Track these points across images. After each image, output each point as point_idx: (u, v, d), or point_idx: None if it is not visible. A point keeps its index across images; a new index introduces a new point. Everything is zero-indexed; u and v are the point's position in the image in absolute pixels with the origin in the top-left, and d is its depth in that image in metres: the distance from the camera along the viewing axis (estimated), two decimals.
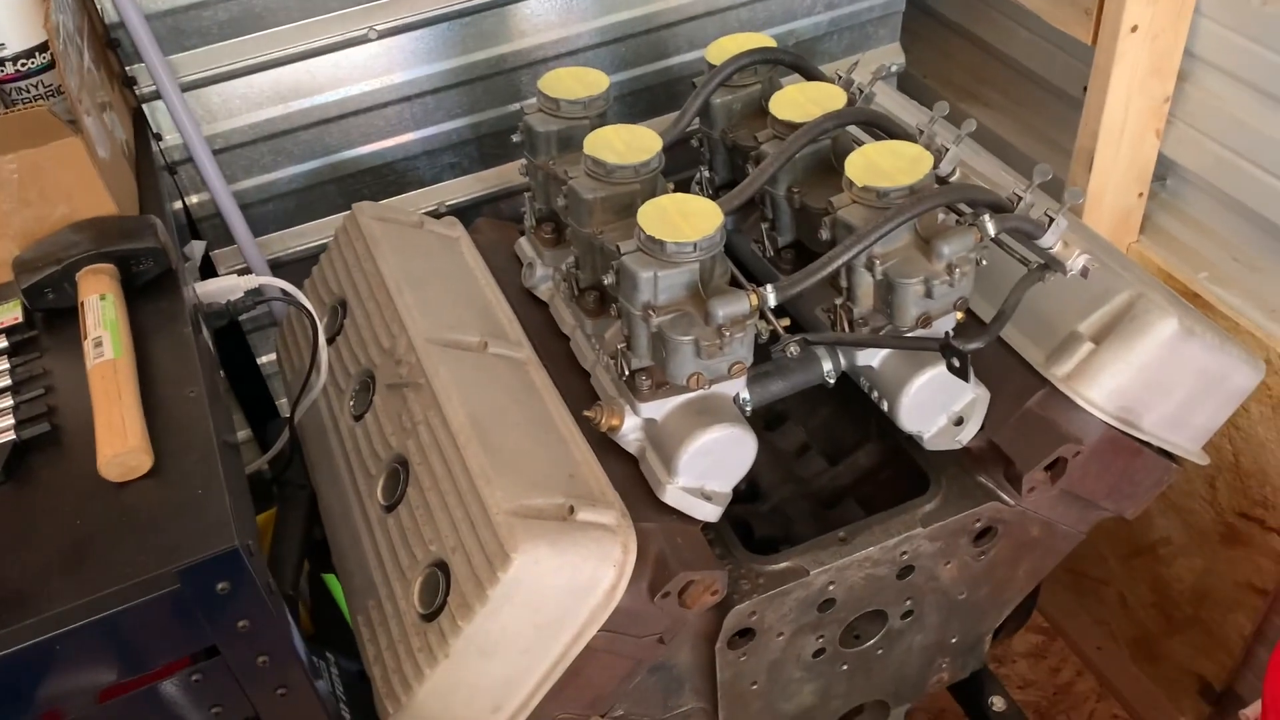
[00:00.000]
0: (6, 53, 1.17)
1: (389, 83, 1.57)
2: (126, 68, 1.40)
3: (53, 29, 1.06)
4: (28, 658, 0.84)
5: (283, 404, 1.76)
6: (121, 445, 0.90)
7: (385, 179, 1.66)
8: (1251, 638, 1.69)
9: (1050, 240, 1.10)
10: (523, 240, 1.45)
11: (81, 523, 0.89)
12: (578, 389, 1.25)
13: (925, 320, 1.11)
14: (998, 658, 2.06)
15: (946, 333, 1.13)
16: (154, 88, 1.42)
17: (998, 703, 1.64)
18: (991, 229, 1.08)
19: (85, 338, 1.00)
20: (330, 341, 1.38)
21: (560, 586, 1.04)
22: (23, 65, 1.18)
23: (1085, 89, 1.56)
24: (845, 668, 1.33)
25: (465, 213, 1.68)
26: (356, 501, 1.23)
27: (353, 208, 1.46)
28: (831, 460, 1.44)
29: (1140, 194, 1.63)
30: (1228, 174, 1.52)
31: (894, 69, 1.88)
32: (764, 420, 1.51)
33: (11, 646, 0.83)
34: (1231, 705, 1.78)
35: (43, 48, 1.19)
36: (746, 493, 1.42)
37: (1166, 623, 1.85)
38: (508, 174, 1.73)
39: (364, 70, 1.55)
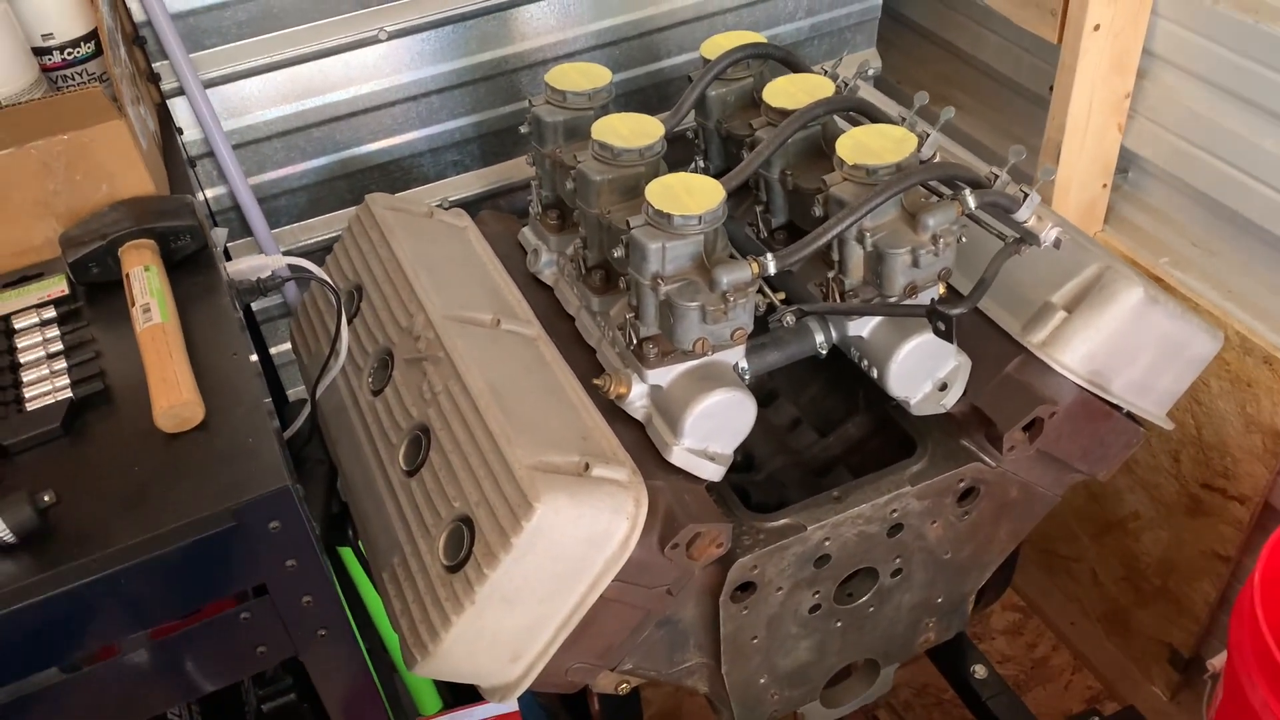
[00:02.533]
0: (54, 41, 1.24)
1: (397, 82, 1.65)
2: (153, 65, 1.47)
3: (101, 18, 1.13)
4: (91, 592, 0.90)
5: (292, 393, 1.83)
6: (176, 397, 0.97)
7: (392, 175, 1.74)
8: (1216, 604, 1.79)
9: (1025, 214, 1.19)
10: (526, 229, 1.53)
11: (139, 470, 0.96)
12: (584, 364, 1.33)
13: (912, 289, 1.20)
14: (977, 635, 2.14)
15: (932, 299, 1.22)
16: (177, 84, 1.49)
17: (979, 671, 1.72)
18: (972, 203, 1.17)
19: (133, 304, 1.07)
20: (347, 323, 1.45)
21: (578, 536, 1.12)
22: (69, 54, 1.25)
23: (1051, 88, 1.67)
24: (839, 624, 1.41)
25: (467, 208, 1.75)
26: (379, 469, 1.30)
27: (366, 198, 1.53)
28: (822, 432, 1.52)
29: (1104, 185, 1.74)
30: (1185, 164, 1.63)
31: (871, 72, 1.98)
32: (757, 398, 1.59)
33: (77, 580, 0.89)
34: (1199, 671, 1.87)
35: (87, 38, 1.26)
36: (742, 463, 1.50)
37: (1136, 595, 1.94)
38: (507, 171, 1.81)
39: (373, 70, 1.63)
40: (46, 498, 0.91)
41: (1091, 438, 1.34)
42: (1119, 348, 1.28)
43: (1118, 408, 1.33)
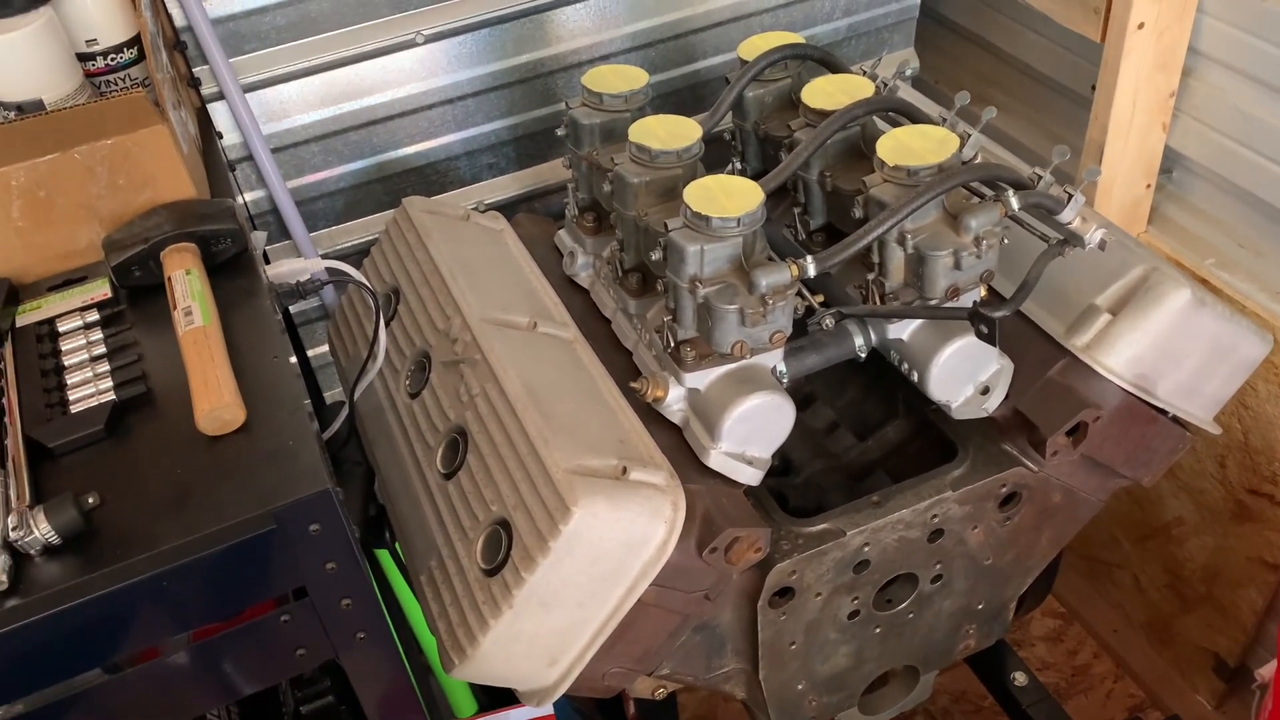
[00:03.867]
0: (98, 47, 1.26)
1: (433, 85, 1.66)
2: (193, 69, 1.48)
3: (144, 23, 1.14)
4: (134, 594, 0.90)
5: (329, 396, 1.84)
6: (218, 400, 0.97)
7: (428, 178, 1.75)
8: (1263, 613, 1.76)
9: (1069, 215, 1.17)
10: (562, 232, 1.53)
11: (181, 472, 0.97)
12: (621, 366, 1.32)
13: (954, 291, 1.19)
14: (1016, 641, 2.12)
15: (974, 301, 1.20)
16: (217, 89, 1.50)
17: (1019, 678, 1.70)
18: (1015, 204, 1.15)
19: (175, 308, 1.08)
20: (385, 326, 1.45)
21: (616, 540, 1.11)
22: (112, 60, 1.27)
23: (1093, 87, 1.64)
24: (878, 630, 1.39)
25: (503, 210, 1.76)
26: (416, 472, 1.30)
27: (403, 202, 1.54)
28: (860, 436, 1.51)
29: (1148, 185, 1.71)
30: (1231, 163, 1.60)
31: (909, 72, 1.97)
32: (795, 402, 1.58)
33: (120, 582, 0.89)
34: (1245, 680, 1.84)
35: (130, 43, 1.27)
36: (780, 467, 1.49)
37: (1180, 602, 1.91)
38: (543, 174, 1.81)
39: (410, 74, 1.64)
40: (90, 499, 0.92)
41: (1136, 442, 1.32)
42: (1165, 351, 1.26)
43: (1163, 412, 1.30)
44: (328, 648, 1.03)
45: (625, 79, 1.39)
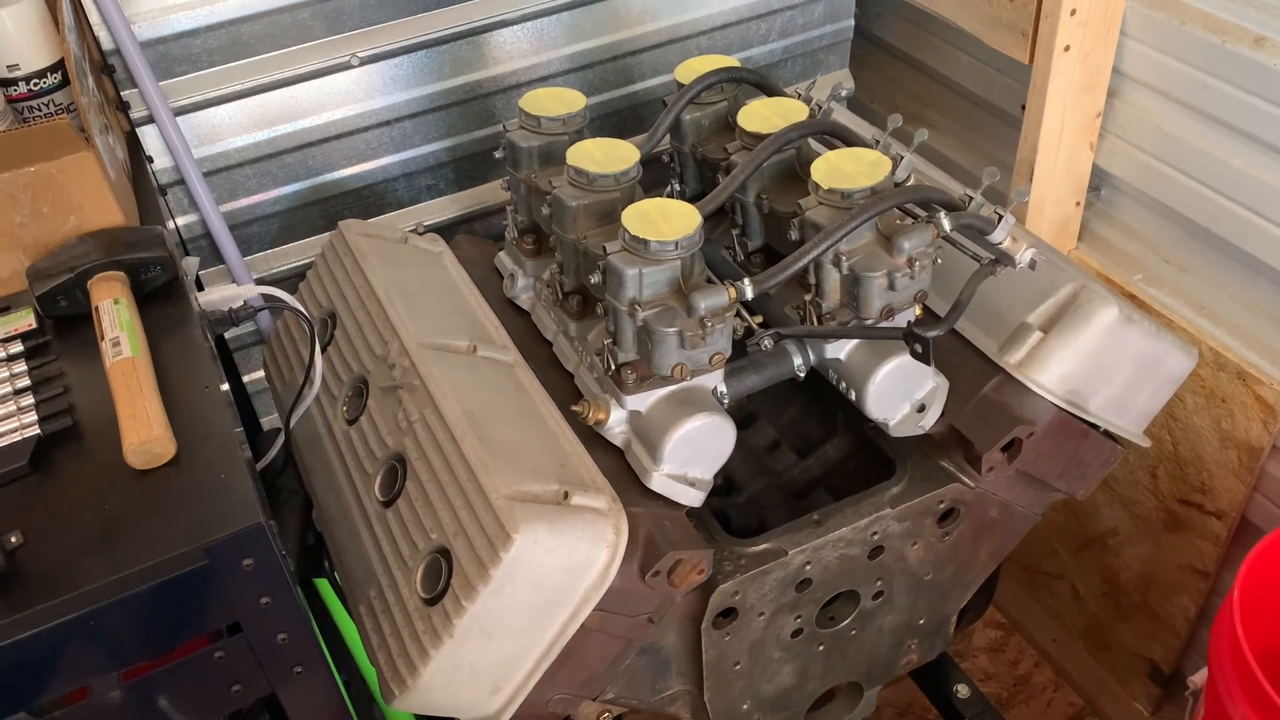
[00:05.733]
0: (20, 72, 1.23)
1: (369, 108, 1.64)
2: (121, 93, 1.46)
3: (68, 48, 1.12)
4: (60, 634, 0.88)
5: (266, 422, 1.81)
6: (146, 433, 0.95)
7: (365, 200, 1.73)
8: (1195, 619, 1.79)
9: (1000, 235, 1.20)
10: (502, 254, 1.52)
11: (109, 508, 0.94)
12: (562, 389, 1.32)
13: (889, 312, 1.20)
14: (959, 653, 2.14)
15: (909, 321, 1.22)
16: (147, 112, 1.47)
17: (962, 690, 1.72)
18: (947, 225, 1.17)
19: (103, 339, 1.06)
20: (321, 351, 1.44)
21: (558, 566, 1.11)
22: (35, 85, 1.24)
23: (1023, 107, 1.68)
24: (822, 648, 1.40)
25: (442, 233, 1.74)
26: (354, 500, 1.28)
27: (339, 225, 1.52)
28: (801, 454, 1.52)
29: (1077, 203, 1.75)
30: (1157, 182, 1.64)
31: (844, 93, 1.99)
32: (736, 421, 1.58)
33: (46, 623, 0.87)
34: (1180, 686, 1.88)
35: (54, 68, 1.25)
36: (722, 487, 1.49)
37: (1116, 611, 1.95)
38: (483, 195, 1.81)
39: (346, 96, 1.62)
40: (14, 538, 0.90)
41: (1070, 457, 1.34)
42: (1095, 367, 1.29)
43: (1095, 426, 1.33)
44: (264, 683, 1.01)
45: (563, 102, 1.40)
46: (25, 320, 1.13)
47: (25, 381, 1.06)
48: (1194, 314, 1.64)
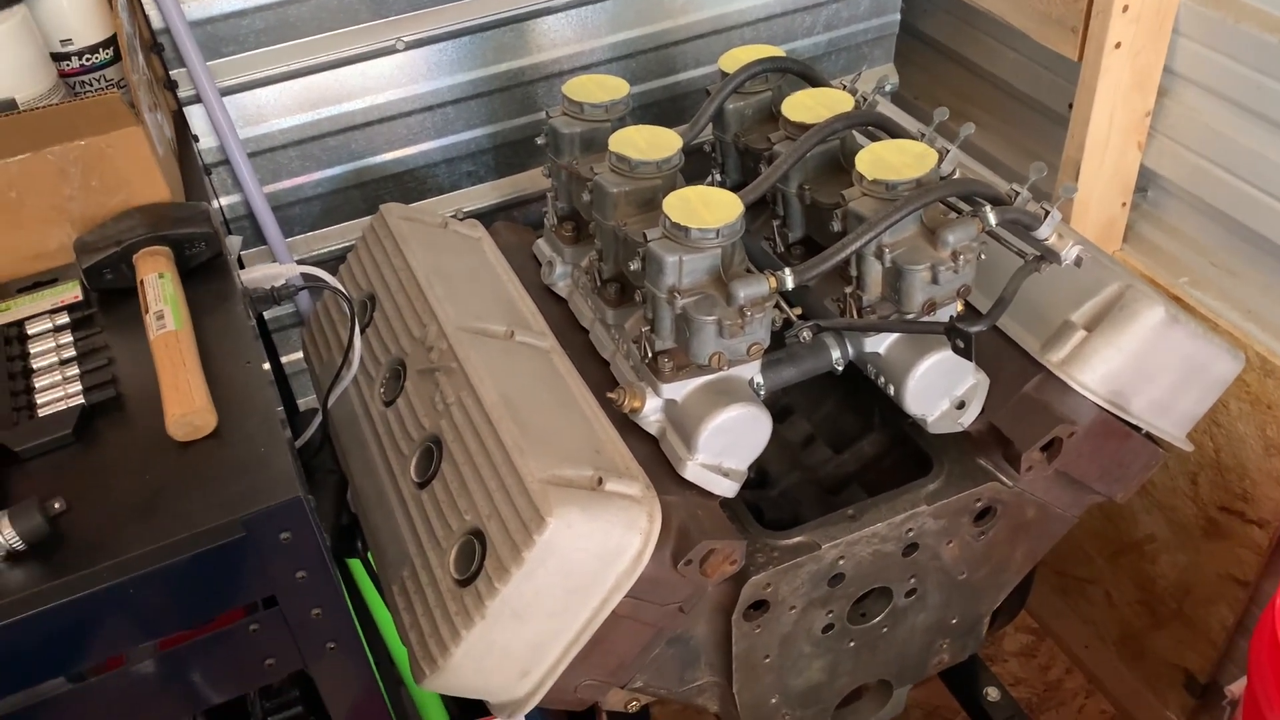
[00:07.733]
0: (73, 47, 1.24)
1: (413, 92, 1.65)
2: (170, 72, 1.47)
3: (121, 24, 1.13)
4: (99, 601, 0.89)
5: (303, 403, 1.82)
6: (189, 405, 0.96)
7: (405, 185, 1.74)
8: (1233, 629, 1.76)
9: (1046, 231, 1.18)
10: (540, 241, 1.52)
11: (150, 478, 0.95)
12: (598, 376, 1.32)
13: (931, 305, 1.19)
14: (989, 657, 2.12)
15: (951, 316, 1.20)
16: (194, 92, 1.49)
17: (992, 693, 1.71)
18: (993, 219, 1.16)
19: (147, 311, 1.07)
20: (360, 333, 1.44)
21: (590, 551, 1.10)
22: (87, 60, 1.25)
23: (1070, 105, 1.66)
24: (852, 644, 1.39)
25: (481, 219, 1.74)
26: (390, 480, 1.29)
27: (380, 208, 1.53)
28: (837, 449, 1.51)
29: (1123, 204, 1.73)
30: (1205, 183, 1.62)
31: (888, 88, 1.98)
32: (771, 413, 1.58)
33: (87, 589, 0.88)
34: (1216, 697, 1.85)
35: (106, 44, 1.26)
36: (756, 480, 1.48)
37: (1151, 618, 1.92)
38: (521, 183, 1.81)
39: (390, 80, 1.63)
40: (57, 505, 0.90)
41: (1110, 458, 1.32)
42: (1139, 368, 1.27)
43: (1137, 428, 1.31)
44: (297, 658, 1.02)
45: (606, 89, 1.39)
46: (72, 292, 1.14)
47: (71, 352, 1.07)
48: (1241, 318, 1.61)
